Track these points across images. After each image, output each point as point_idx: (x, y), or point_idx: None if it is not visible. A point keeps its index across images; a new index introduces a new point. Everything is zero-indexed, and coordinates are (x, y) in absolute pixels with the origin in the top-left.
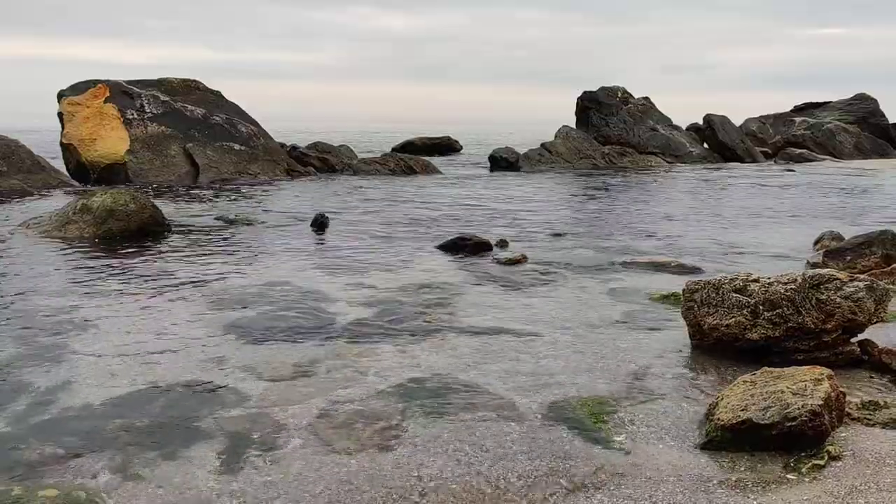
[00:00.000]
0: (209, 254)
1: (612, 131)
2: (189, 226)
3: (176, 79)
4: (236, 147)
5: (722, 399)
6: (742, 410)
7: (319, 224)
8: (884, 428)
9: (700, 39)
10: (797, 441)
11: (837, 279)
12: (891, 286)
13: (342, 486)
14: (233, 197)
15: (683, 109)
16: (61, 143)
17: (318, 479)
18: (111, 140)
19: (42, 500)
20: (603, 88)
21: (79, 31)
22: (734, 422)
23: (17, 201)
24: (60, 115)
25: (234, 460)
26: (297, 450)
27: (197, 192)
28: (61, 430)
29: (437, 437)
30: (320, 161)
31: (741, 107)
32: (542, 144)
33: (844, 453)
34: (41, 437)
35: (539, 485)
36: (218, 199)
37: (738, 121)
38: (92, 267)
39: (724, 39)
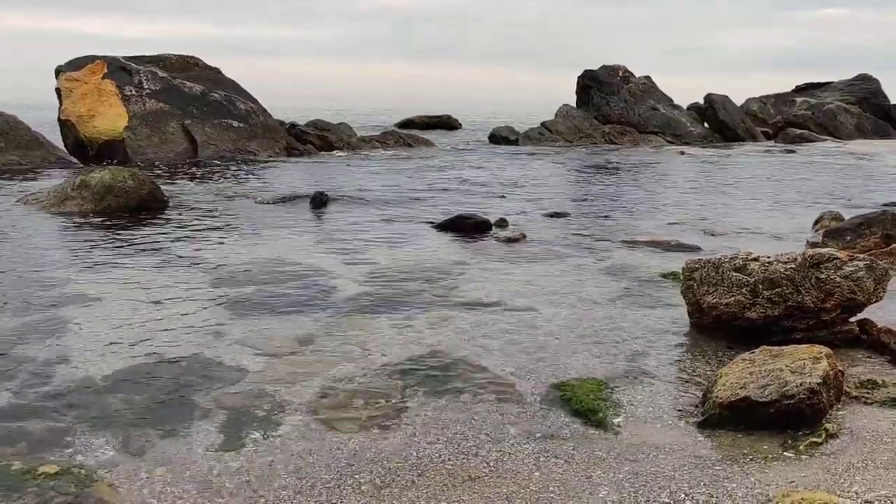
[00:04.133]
0: (208, 230)
1: (613, 110)
2: (188, 202)
3: (174, 55)
4: (235, 124)
5: (720, 377)
6: (741, 388)
7: (319, 202)
8: (881, 406)
9: (700, 21)
10: (795, 419)
11: (837, 259)
12: (890, 266)
13: (342, 466)
14: (231, 174)
15: (684, 91)
16: (59, 119)
17: (319, 458)
18: (109, 116)
19: (42, 475)
20: (604, 67)
21: (77, 4)
22: (732, 399)
23: (15, 177)
24: (58, 90)
25: (235, 438)
26: (298, 428)
27: (195, 169)
28: (61, 406)
29: (437, 417)
30: (319, 139)
31: (741, 88)
32: (543, 123)
33: (842, 431)
34: (41, 413)
35: (537, 465)
36: (216, 177)
37: (738, 102)
38: (90, 243)
39: (725, 21)
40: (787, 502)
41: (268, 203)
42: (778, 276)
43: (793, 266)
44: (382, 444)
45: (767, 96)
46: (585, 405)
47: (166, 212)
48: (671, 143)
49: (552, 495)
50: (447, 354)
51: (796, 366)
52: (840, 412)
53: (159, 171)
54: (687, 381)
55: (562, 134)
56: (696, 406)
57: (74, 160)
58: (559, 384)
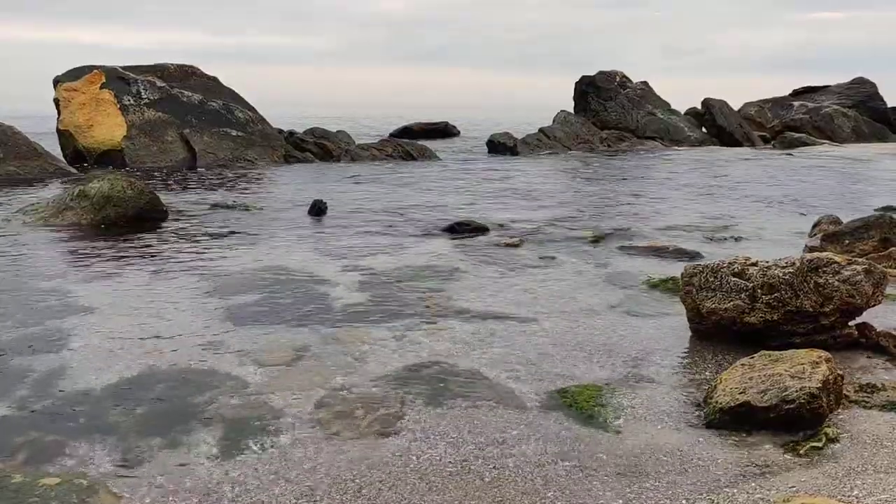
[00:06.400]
0: (207, 240)
1: (610, 116)
2: (187, 212)
3: (172, 64)
4: (233, 133)
5: (720, 382)
6: (741, 393)
7: (317, 209)
8: (881, 410)
9: (699, 23)
10: (795, 423)
11: (835, 263)
12: (888, 269)
13: (342, 473)
14: (230, 183)
15: (682, 93)
16: (58, 130)
17: (318, 466)
18: (108, 126)
19: (44, 487)
20: (601, 73)
21: (78, 13)
22: (733, 405)
23: (14, 188)
24: (56, 101)
25: (234, 447)
26: (297, 437)
27: (194, 177)
28: (61, 417)
29: (437, 423)
30: (318, 146)
31: (740, 90)
32: (541, 129)
33: (842, 435)
34: (41, 424)
35: (538, 470)
36: (215, 185)
37: (736, 105)
38: (90, 253)
39: (723, 23)
40: None
41: (266, 212)
42: (776, 281)
43: (791, 270)
44: (382, 451)
45: (765, 100)
46: (586, 411)
47: (165, 221)
48: (669, 148)
49: (552, 501)
50: (446, 362)
51: (796, 370)
52: (840, 416)
53: (158, 181)
54: (687, 387)
55: (560, 140)
56: (697, 411)
57: (73, 170)
58: (559, 390)
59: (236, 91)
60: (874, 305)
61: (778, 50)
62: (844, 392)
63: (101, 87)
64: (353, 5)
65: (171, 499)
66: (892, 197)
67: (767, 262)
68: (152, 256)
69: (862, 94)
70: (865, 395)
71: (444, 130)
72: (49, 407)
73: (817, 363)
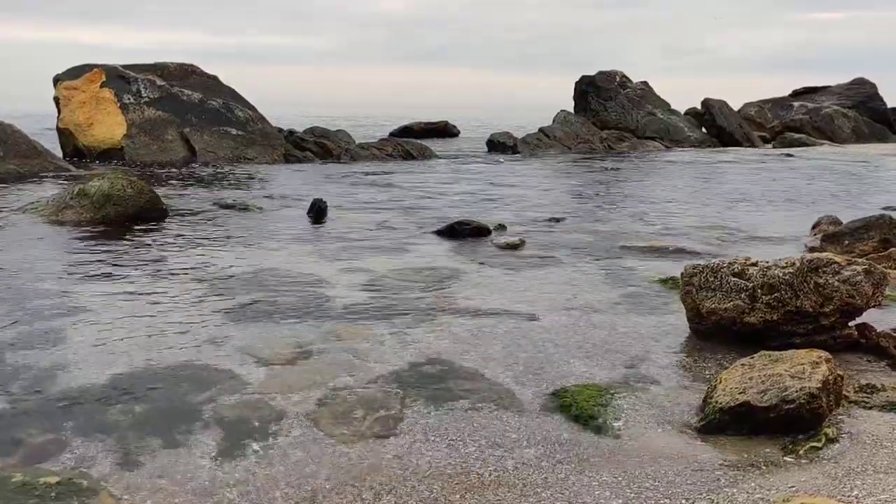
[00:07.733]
0: (207, 239)
1: (610, 116)
2: (187, 211)
3: (172, 63)
4: (233, 132)
5: (720, 382)
6: (740, 393)
7: (317, 209)
8: (881, 410)
9: (699, 23)
10: (795, 424)
11: (835, 263)
12: (888, 270)
13: (343, 475)
14: (230, 182)
15: (682, 93)
16: (57, 128)
17: (319, 468)
18: (108, 125)
19: (44, 487)
20: (601, 73)
21: (78, 13)
22: (732, 405)
23: (13, 186)
24: (56, 99)
25: (235, 449)
26: (298, 438)
27: (194, 176)
28: (61, 417)
29: (437, 424)
30: (318, 146)
31: (740, 90)
32: (541, 129)
33: (842, 436)
34: (41, 424)
35: (538, 471)
36: (215, 184)
37: (736, 105)
38: (89, 252)
39: (723, 23)
40: None
41: (266, 211)
42: (776, 281)
43: (791, 271)
44: (383, 452)
45: (765, 101)
46: (585, 411)
47: (165, 220)
48: (668, 147)
49: (552, 502)
50: (446, 362)
51: (796, 370)
52: (839, 416)
53: (158, 179)
54: (687, 387)
55: (560, 140)
56: (697, 411)
57: (73, 169)
58: (559, 391)
59: (236, 90)
60: (874, 306)
61: (778, 50)
62: (844, 392)
63: (101, 86)
64: (353, 5)
65: (170, 500)
66: (892, 197)
67: (767, 262)
68: (152, 256)
69: (862, 95)
70: (865, 395)
71: (444, 130)
72: (48, 406)
73: (817, 363)
